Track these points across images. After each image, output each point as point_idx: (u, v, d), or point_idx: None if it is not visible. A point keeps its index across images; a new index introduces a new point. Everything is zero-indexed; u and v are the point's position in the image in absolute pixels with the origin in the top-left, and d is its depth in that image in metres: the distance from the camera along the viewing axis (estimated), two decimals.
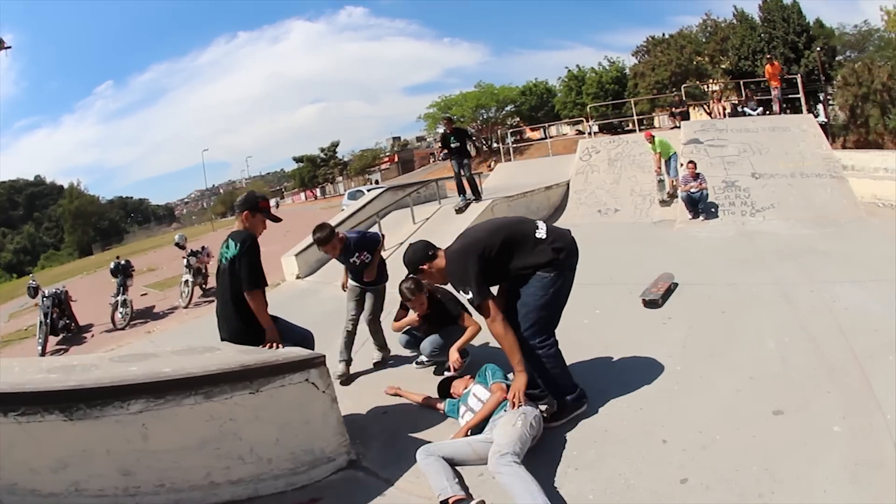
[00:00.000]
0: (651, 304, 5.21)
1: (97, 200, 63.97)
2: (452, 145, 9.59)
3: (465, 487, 2.65)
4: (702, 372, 3.69)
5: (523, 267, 3.08)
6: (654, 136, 11.36)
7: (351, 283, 4.61)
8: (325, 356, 3.00)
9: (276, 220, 3.58)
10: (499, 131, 32.38)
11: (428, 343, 4.25)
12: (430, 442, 3.08)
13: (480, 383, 3.34)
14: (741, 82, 16.25)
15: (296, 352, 3.05)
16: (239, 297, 3.18)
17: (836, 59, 24.18)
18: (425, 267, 3.19)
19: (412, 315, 4.32)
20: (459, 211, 9.61)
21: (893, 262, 5.72)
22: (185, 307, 9.49)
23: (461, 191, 9.88)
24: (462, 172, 9.68)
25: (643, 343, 4.29)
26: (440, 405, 3.58)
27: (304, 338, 3.58)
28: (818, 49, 22.07)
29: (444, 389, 3.61)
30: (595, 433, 3.06)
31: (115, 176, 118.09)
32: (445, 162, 10.09)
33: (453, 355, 3.99)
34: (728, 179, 10.29)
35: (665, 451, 2.81)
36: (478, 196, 9.95)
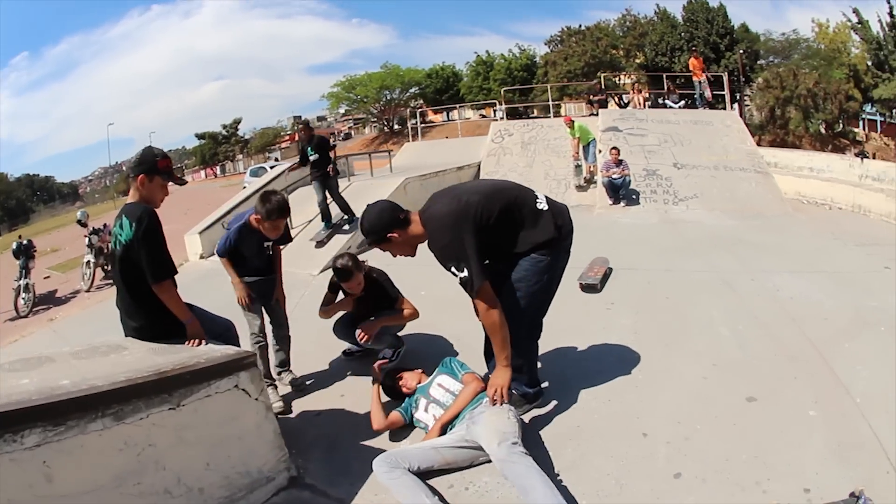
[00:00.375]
0: (589, 288, 5.29)
1: (5, 178, 63.23)
2: (311, 157, 7.95)
3: None
4: (662, 360, 3.73)
5: (522, 243, 2.77)
6: (573, 121, 11.86)
7: (248, 281, 3.71)
8: (255, 354, 2.67)
9: (181, 182, 3.07)
10: (407, 111, 32.39)
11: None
12: (381, 450, 2.77)
13: (446, 373, 3.08)
14: (664, 76, 17.49)
15: (219, 350, 2.64)
16: (138, 289, 2.71)
17: (758, 62, 27.00)
18: (394, 235, 2.75)
19: (344, 298, 3.91)
20: (320, 244, 8.04)
21: (827, 255, 6.33)
22: (87, 291, 9.50)
23: (325, 217, 8.22)
24: (328, 196, 8.11)
25: (591, 329, 4.30)
26: (395, 417, 3.12)
27: (226, 329, 3.14)
28: (741, 52, 24.42)
29: (391, 385, 3.29)
30: (568, 430, 2.94)
31: (24, 152, 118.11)
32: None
33: (368, 329, 3.67)
34: (649, 168, 10.99)
35: (649, 446, 2.76)
36: (351, 216, 8.21)
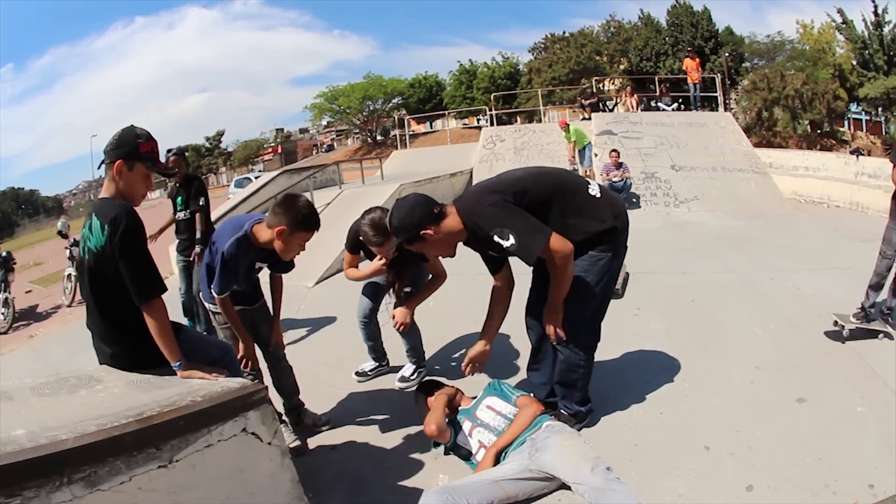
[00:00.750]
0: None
1: None
2: (179, 214, 5.23)
3: None
4: (704, 365, 3.63)
5: (575, 232, 2.50)
6: (569, 125, 11.85)
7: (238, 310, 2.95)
8: (266, 388, 2.14)
9: (169, 171, 2.56)
10: (396, 119, 32.27)
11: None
12: (416, 489, 2.51)
13: (496, 395, 2.84)
14: (656, 78, 17.66)
15: (220, 384, 2.14)
16: (112, 308, 2.20)
17: (743, 65, 27.40)
18: (429, 231, 2.46)
19: (376, 263, 3.31)
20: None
21: (836, 252, 6.36)
22: (69, 305, 9.29)
23: (189, 314, 5.37)
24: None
25: (624, 337, 4.15)
26: (447, 431, 2.78)
27: (224, 353, 2.60)
28: (726, 55, 24.74)
29: (423, 402, 2.99)
30: (625, 449, 2.77)
31: (8, 165, 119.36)
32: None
33: (402, 315, 3.26)
34: (647, 171, 11.00)
35: (713, 459, 2.64)
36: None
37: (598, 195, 2.64)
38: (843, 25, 22.61)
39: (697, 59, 15.00)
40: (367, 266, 3.41)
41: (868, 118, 24.10)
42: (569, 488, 2.31)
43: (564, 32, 33.30)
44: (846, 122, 24.60)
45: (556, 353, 2.84)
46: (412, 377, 3.70)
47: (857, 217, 8.65)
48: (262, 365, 3.14)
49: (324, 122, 44.93)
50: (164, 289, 2.22)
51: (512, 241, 2.33)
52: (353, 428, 3.24)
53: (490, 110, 19.09)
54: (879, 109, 22.07)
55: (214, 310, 2.96)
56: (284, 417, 3.17)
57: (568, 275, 2.48)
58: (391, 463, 2.86)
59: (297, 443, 3.01)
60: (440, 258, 3.10)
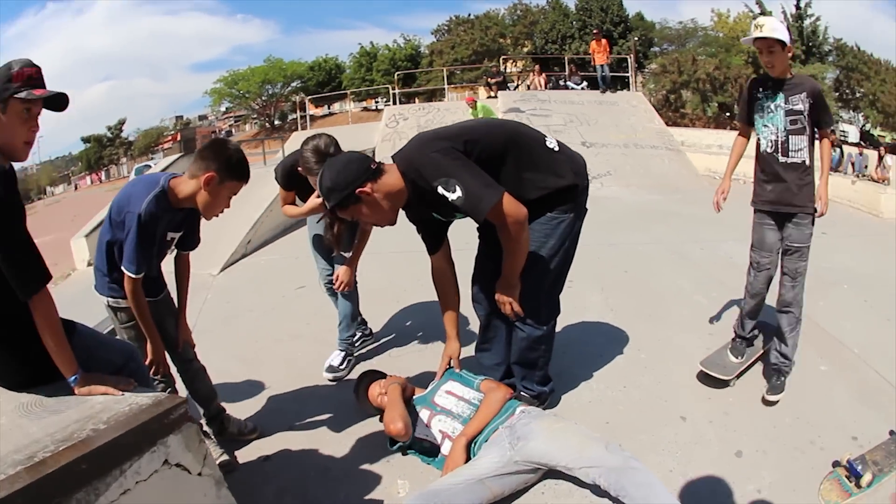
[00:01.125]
0: None
1: None
2: None
3: None
4: (655, 334, 3.60)
5: (531, 188, 2.29)
6: (476, 102, 11.84)
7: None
8: (185, 401, 1.64)
9: (59, 104, 1.71)
10: (295, 102, 31.39)
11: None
12: (376, 500, 2.23)
13: (455, 380, 2.56)
14: (566, 58, 18.20)
15: (128, 403, 1.66)
16: None
17: (652, 49, 28.70)
18: (365, 189, 2.15)
19: (314, 199, 2.95)
20: None
21: None
22: None
23: None
24: None
25: (564, 309, 3.94)
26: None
27: (128, 357, 2.09)
28: (635, 39, 25.82)
29: (365, 394, 2.69)
30: (597, 428, 2.55)
31: None
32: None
33: (346, 273, 3.13)
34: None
35: (693, 429, 2.57)
36: None
37: (557, 149, 2.43)
38: (761, 15, 24.26)
39: (605, 41, 15.28)
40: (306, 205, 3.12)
41: None
42: (555, 477, 2.12)
43: (469, 15, 33.60)
44: None
45: (509, 329, 2.63)
46: (342, 367, 3.37)
47: None
48: (172, 369, 2.64)
49: (223, 108, 44.64)
50: (50, 276, 1.68)
51: (459, 193, 2.06)
52: (285, 434, 2.80)
53: (392, 90, 18.71)
54: None
55: (116, 305, 2.41)
56: (206, 428, 2.70)
57: (523, 244, 2.26)
58: (337, 472, 2.47)
59: (225, 457, 2.56)
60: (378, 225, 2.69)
